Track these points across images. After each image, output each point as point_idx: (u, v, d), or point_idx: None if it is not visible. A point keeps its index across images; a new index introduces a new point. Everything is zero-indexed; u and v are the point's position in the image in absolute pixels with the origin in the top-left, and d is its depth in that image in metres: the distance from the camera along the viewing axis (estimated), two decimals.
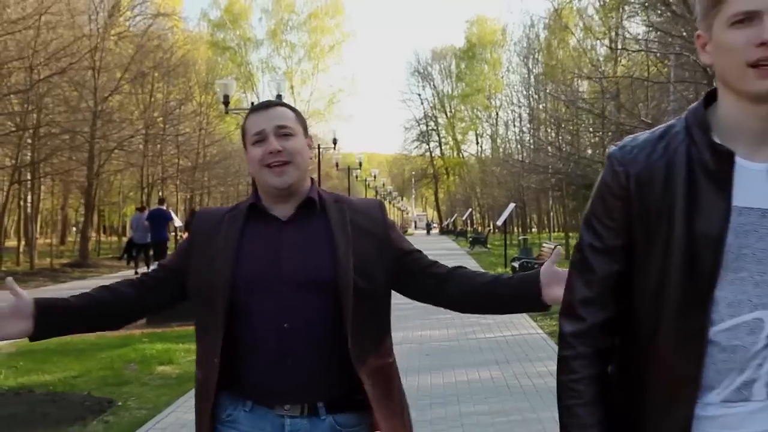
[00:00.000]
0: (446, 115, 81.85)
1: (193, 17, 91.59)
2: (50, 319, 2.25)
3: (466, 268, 2.43)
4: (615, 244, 1.76)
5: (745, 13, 1.61)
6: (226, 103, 20.33)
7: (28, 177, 24.20)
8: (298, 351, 2.19)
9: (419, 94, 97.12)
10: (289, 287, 2.21)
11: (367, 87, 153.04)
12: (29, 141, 21.77)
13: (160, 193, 31.07)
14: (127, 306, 2.36)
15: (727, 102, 1.71)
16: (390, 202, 73.54)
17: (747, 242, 1.66)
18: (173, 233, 27.02)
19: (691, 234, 1.68)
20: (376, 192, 60.54)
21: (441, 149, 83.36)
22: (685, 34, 11.97)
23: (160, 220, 20.77)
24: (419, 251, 2.45)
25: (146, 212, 22.15)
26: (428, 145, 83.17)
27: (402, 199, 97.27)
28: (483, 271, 2.49)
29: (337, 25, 71.88)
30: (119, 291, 2.35)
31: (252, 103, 27.38)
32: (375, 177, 63.46)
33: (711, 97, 1.76)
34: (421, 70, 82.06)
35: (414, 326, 10.54)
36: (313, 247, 2.26)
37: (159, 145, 30.20)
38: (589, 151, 26.82)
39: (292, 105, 2.43)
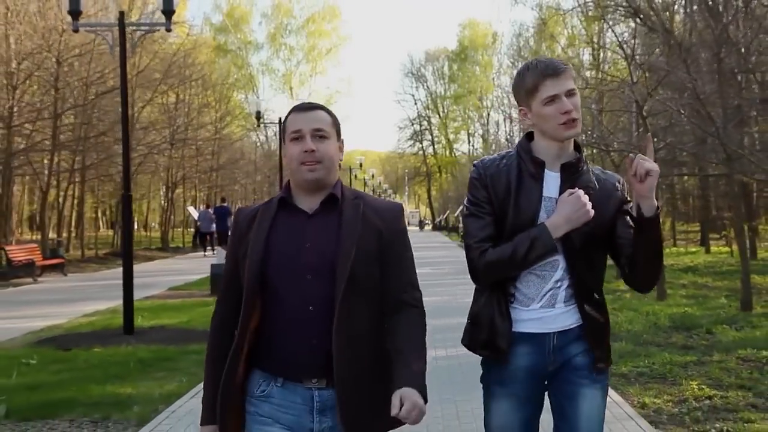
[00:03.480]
0: (439, 115, 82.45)
1: (196, 22, 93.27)
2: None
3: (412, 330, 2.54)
4: (488, 209, 2.80)
5: (551, 96, 2.71)
6: (258, 117, 24.10)
7: (75, 179, 27.76)
8: (321, 331, 2.43)
9: (413, 95, 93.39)
10: (312, 274, 2.46)
11: (362, 87, 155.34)
12: (80, 148, 25.28)
13: (181, 190, 34.68)
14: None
15: (540, 140, 2.81)
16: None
17: (548, 215, 2.73)
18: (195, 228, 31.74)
19: (519, 209, 2.76)
20: (373, 190, 63.09)
21: (434, 148, 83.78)
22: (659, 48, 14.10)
23: (223, 214, 29.20)
24: (405, 282, 2.59)
25: (212, 208, 30.20)
26: (421, 144, 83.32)
27: (396, 196, 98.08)
28: (407, 338, 2.52)
29: (333, 29, 72.67)
30: (227, 339, 2.57)
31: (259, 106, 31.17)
32: (373, 176, 66.14)
33: (530, 135, 2.86)
34: (415, 72, 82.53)
35: None
36: (330, 238, 2.50)
37: (182, 150, 33.67)
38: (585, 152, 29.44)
39: (331, 111, 2.66)
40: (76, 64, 23.21)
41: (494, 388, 2.83)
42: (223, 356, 2.54)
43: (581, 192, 2.71)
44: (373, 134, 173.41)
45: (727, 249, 25.75)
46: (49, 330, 11.05)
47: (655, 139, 14.40)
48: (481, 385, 2.89)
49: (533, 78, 2.74)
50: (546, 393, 2.89)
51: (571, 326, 2.78)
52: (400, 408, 2.36)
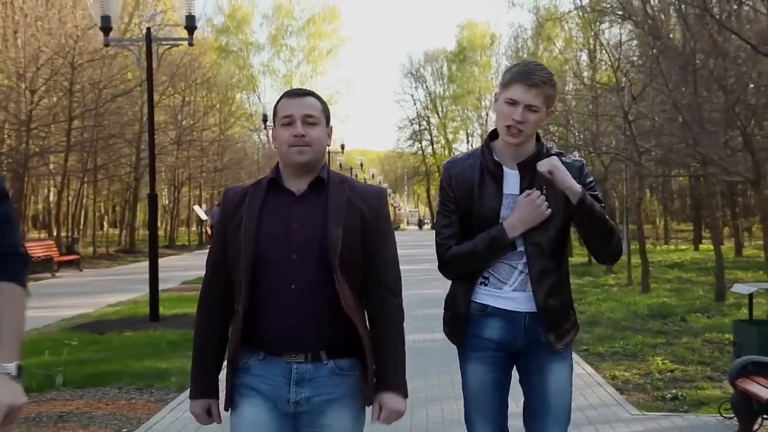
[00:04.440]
0: (438, 115, 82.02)
1: (198, 23, 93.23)
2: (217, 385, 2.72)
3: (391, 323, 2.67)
4: (452, 208, 3.06)
5: (512, 99, 2.90)
6: (265, 120, 25.17)
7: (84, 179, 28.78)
8: (302, 309, 2.54)
9: (412, 95, 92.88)
10: (297, 253, 2.56)
11: (362, 87, 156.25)
12: (92, 149, 26.27)
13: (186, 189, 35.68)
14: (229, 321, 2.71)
15: (500, 138, 3.03)
16: None
17: (508, 212, 2.97)
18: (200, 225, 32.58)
19: (482, 206, 2.99)
20: None
21: (433, 148, 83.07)
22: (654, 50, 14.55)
23: None
24: (388, 264, 2.69)
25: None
26: (421, 143, 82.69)
27: (395, 195, 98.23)
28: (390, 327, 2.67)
29: (333, 30, 72.64)
30: (223, 321, 2.70)
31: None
32: (373, 176, 66.81)
33: (494, 134, 3.07)
34: (414, 72, 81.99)
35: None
36: (315, 219, 2.59)
37: (187, 151, 34.66)
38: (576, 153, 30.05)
39: (321, 97, 2.71)
40: (89, 69, 24.18)
41: (469, 353, 3.08)
42: (212, 337, 2.70)
43: (537, 193, 2.93)
44: (373, 134, 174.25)
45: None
46: (80, 318, 12.06)
47: (646, 144, 15.38)
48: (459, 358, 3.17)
49: (510, 75, 2.95)
50: (516, 369, 3.13)
51: (536, 310, 3.00)
52: (379, 415, 2.64)
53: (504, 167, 3.00)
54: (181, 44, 13.15)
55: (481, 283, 3.03)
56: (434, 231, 3.16)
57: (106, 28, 10.82)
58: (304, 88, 2.84)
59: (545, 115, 2.97)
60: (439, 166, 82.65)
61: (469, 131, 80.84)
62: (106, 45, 11.47)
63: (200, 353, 2.72)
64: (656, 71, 13.54)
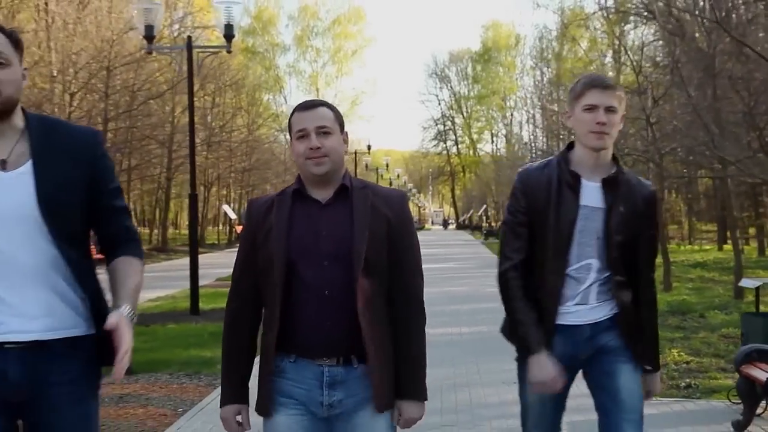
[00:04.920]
0: (463, 115, 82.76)
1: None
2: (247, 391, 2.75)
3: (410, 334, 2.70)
4: (523, 220, 3.04)
5: (591, 105, 2.95)
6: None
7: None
8: (334, 314, 2.60)
9: (437, 95, 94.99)
10: (327, 260, 2.62)
11: (387, 88, 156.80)
12: (126, 151, 27.04)
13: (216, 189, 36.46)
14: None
15: (578, 148, 3.05)
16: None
17: (586, 224, 2.98)
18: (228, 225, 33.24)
19: (558, 218, 2.98)
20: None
21: (458, 148, 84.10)
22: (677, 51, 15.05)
23: None
24: (412, 267, 2.72)
25: None
26: (445, 143, 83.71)
27: (419, 195, 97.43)
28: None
29: (359, 31, 73.38)
30: (253, 327, 2.77)
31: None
32: (399, 176, 67.06)
33: (571, 145, 3.09)
34: (439, 72, 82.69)
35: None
36: (342, 226, 2.65)
37: (217, 151, 35.41)
38: None
39: (333, 105, 2.77)
40: (123, 72, 24.92)
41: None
42: (239, 350, 2.74)
43: (558, 380, 2.96)
44: (397, 133, 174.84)
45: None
46: None
47: (669, 146, 15.72)
48: (516, 363, 3.19)
49: (582, 85, 3.02)
50: (583, 378, 3.16)
51: (602, 318, 3.06)
52: (398, 420, 2.72)
53: (582, 178, 3.04)
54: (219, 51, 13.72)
55: None
56: (499, 249, 3.16)
57: (149, 37, 11.44)
58: (314, 99, 2.93)
59: (621, 119, 3.05)
60: (464, 165, 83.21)
61: (493, 131, 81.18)
62: (149, 52, 12.10)
63: (230, 359, 2.76)
64: (677, 74, 13.90)
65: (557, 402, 3.13)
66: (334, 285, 2.60)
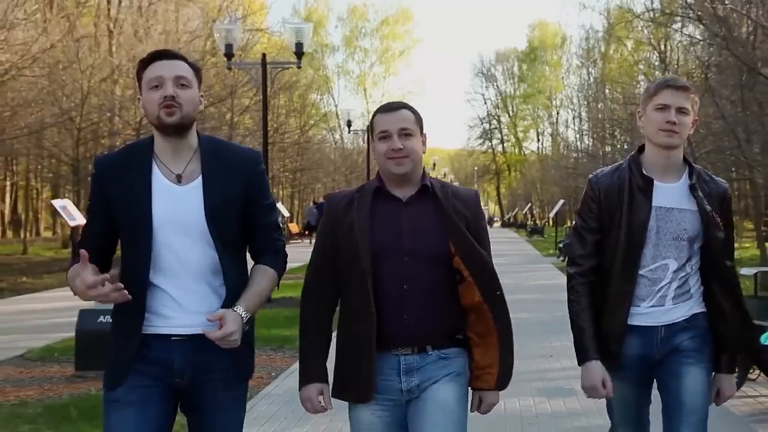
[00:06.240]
0: (508, 114, 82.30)
1: (275, 25, 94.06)
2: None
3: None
4: (594, 226, 3.08)
5: (663, 104, 2.97)
6: (349, 124, 27.44)
7: None
8: (413, 308, 2.73)
9: (483, 94, 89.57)
10: (409, 256, 2.73)
11: (433, 87, 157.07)
12: None
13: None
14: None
15: (649, 150, 3.07)
16: None
17: (659, 224, 3.01)
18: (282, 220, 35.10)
19: (630, 221, 3.01)
20: None
21: (503, 146, 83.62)
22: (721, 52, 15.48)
23: (321, 209, 34.51)
24: (483, 261, 2.78)
25: (316, 205, 34.57)
26: (491, 142, 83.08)
27: None
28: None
29: (406, 32, 73.83)
30: (330, 311, 2.90)
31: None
32: (444, 174, 67.26)
33: (642, 148, 3.12)
34: (485, 72, 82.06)
35: None
36: (423, 224, 2.75)
37: (271, 152, 36.79)
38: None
39: (414, 107, 2.85)
40: None
41: (611, 374, 3.08)
42: (320, 330, 2.87)
43: (605, 388, 3.03)
44: (443, 132, 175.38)
45: None
46: None
47: (703, 149, 16.58)
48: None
49: (656, 85, 3.05)
50: (655, 378, 3.18)
51: (678, 320, 3.07)
52: (479, 407, 2.89)
53: (654, 180, 3.06)
54: (288, 63, 15.06)
55: None
56: (568, 256, 3.25)
57: (228, 54, 12.90)
58: (397, 101, 2.99)
59: (692, 122, 3.07)
60: (509, 164, 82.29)
61: (539, 130, 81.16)
62: (229, 69, 13.56)
63: (311, 340, 2.89)
64: (712, 81, 14.77)
65: (639, 400, 3.21)
66: (415, 280, 2.74)
